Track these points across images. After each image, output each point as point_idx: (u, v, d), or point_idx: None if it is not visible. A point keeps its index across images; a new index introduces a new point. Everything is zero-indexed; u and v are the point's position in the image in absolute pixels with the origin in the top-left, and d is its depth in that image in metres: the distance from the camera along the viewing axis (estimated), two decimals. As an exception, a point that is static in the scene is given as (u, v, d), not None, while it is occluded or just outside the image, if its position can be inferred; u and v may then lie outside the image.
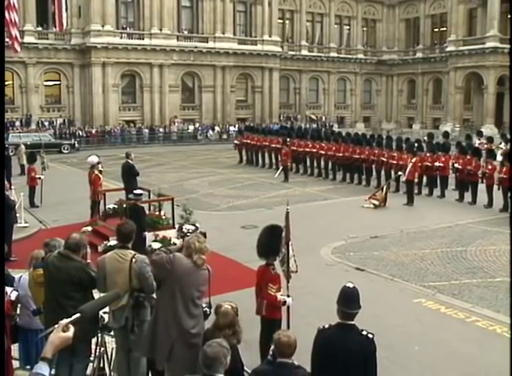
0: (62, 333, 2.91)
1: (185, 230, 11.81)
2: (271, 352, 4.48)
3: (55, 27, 15.89)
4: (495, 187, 16.76)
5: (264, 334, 6.38)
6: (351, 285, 4.61)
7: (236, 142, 29.26)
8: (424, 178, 19.60)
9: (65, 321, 2.97)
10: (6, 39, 12.57)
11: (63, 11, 13.58)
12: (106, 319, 5.69)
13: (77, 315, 3.12)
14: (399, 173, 19.07)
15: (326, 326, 4.58)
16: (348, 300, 4.49)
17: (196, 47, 42.23)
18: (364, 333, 4.47)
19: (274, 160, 25.65)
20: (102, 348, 5.62)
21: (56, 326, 2.94)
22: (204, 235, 6.18)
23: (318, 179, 22.88)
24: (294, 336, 4.34)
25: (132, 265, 5.49)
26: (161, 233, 11.86)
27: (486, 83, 42.60)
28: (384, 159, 20.09)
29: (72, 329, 2.95)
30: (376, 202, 17.11)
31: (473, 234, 13.75)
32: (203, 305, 5.35)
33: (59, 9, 13.74)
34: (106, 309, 5.78)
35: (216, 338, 4.22)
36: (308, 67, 49.80)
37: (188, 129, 42.50)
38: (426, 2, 49.82)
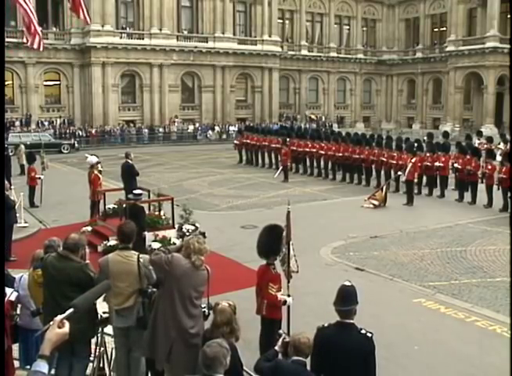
0: (58, 329, 2.91)
1: (184, 230, 11.84)
2: (279, 349, 4.56)
3: (85, 22, 15.91)
4: (495, 187, 16.76)
5: (264, 334, 6.38)
6: (348, 283, 4.63)
7: (235, 142, 29.26)
8: (424, 178, 19.61)
9: (59, 317, 2.97)
10: (28, 39, 12.71)
11: (83, 5, 13.56)
12: (105, 315, 5.68)
13: (71, 310, 3.13)
14: (399, 173, 19.08)
15: (326, 325, 4.60)
16: (342, 298, 4.52)
17: (195, 47, 42.24)
18: (363, 332, 4.49)
19: (274, 160, 25.66)
20: (102, 348, 5.63)
21: (51, 323, 2.94)
22: (203, 235, 6.18)
23: (317, 179, 22.88)
24: (311, 338, 4.41)
25: (141, 266, 5.52)
26: (161, 233, 11.86)
27: (486, 83, 42.60)
28: (384, 159, 20.09)
29: (67, 324, 2.95)
30: (375, 202, 17.12)
31: (472, 234, 13.75)
32: (203, 306, 5.36)
33: (79, 5, 13.72)
34: (106, 309, 5.80)
35: (215, 337, 4.23)
36: (308, 67, 49.80)
37: (188, 129, 42.50)
38: (426, 2, 49.81)
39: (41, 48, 13.85)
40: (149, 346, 5.31)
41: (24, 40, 15.64)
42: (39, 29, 13.36)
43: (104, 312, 5.76)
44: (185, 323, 5.13)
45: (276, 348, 4.63)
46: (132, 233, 5.81)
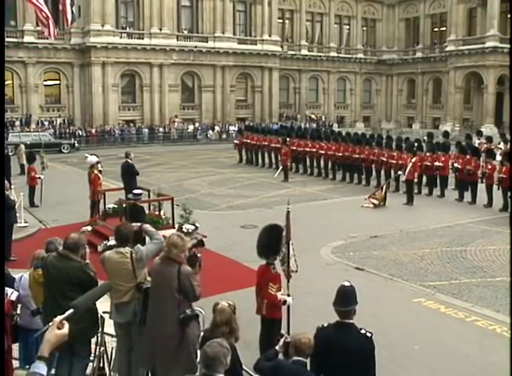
0: (57, 330, 2.91)
1: (184, 230, 11.82)
2: (280, 349, 4.57)
3: (66, 24, 16.07)
4: (495, 187, 16.76)
5: (264, 334, 6.38)
6: (347, 283, 4.62)
7: (235, 141, 29.24)
8: (424, 178, 19.60)
9: (59, 318, 2.96)
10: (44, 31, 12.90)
11: (67, 7, 13.65)
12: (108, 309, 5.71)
13: (71, 311, 3.12)
14: (399, 173, 19.07)
15: (325, 324, 4.60)
16: (342, 298, 4.52)
17: (195, 47, 42.21)
18: (363, 332, 4.49)
19: (274, 160, 25.65)
20: (102, 348, 5.63)
21: (51, 324, 2.94)
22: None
23: (317, 179, 22.87)
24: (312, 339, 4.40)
25: (133, 258, 5.54)
26: (161, 233, 11.82)
27: (486, 83, 42.57)
28: (384, 159, 20.07)
29: (67, 325, 2.95)
30: (375, 201, 17.11)
31: (472, 234, 13.75)
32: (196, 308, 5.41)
33: (64, 6, 13.81)
34: (107, 309, 5.80)
35: (214, 337, 4.23)
36: (308, 67, 49.78)
37: (188, 129, 42.49)
38: (426, 2, 49.75)
39: (53, 37, 13.96)
40: (149, 359, 5.35)
41: (30, 39, 15.95)
42: (51, 19, 13.47)
43: (104, 312, 5.77)
44: (172, 325, 5.16)
45: (277, 347, 4.63)
46: (129, 234, 5.84)
